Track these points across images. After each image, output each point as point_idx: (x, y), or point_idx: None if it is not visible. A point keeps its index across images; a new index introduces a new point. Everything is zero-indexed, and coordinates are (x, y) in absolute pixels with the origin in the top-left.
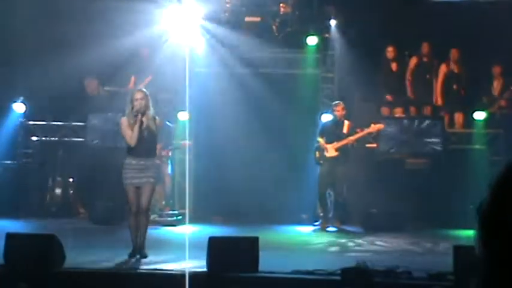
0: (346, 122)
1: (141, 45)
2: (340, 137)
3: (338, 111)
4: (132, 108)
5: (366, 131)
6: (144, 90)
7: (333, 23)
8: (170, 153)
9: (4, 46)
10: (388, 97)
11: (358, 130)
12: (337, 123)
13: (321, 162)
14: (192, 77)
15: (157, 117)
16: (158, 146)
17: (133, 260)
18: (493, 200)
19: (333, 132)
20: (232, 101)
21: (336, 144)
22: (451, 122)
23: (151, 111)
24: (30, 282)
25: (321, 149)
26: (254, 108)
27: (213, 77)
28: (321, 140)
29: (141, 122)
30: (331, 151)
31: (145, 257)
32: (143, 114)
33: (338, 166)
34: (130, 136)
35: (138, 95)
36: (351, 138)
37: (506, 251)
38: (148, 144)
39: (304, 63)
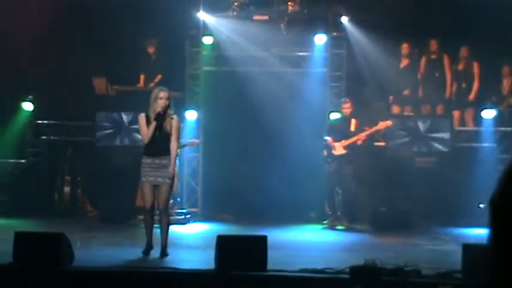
0: (353, 120)
1: (148, 42)
2: (347, 135)
3: (346, 108)
4: (153, 107)
5: (374, 128)
6: (167, 90)
7: (344, 19)
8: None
9: (12, 45)
10: (397, 96)
11: (366, 128)
12: (344, 121)
13: (329, 160)
14: (200, 75)
15: (175, 117)
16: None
17: (142, 257)
18: (503, 189)
19: (340, 131)
20: (240, 99)
21: (344, 142)
22: (460, 120)
23: (171, 111)
24: (39, 281)
25: (329, 148)
26: (263, 107)
27: (222, 75)
28: (329, 138)
29: (158, 122)
30: (339, 149)
31: (166, 255)
32: (164, 113)
33: (346, 164)
34: (145, 134)
35: (162, 94)
36: (359, 135)
37: None
38: (160, 144)
39: (313, 62)
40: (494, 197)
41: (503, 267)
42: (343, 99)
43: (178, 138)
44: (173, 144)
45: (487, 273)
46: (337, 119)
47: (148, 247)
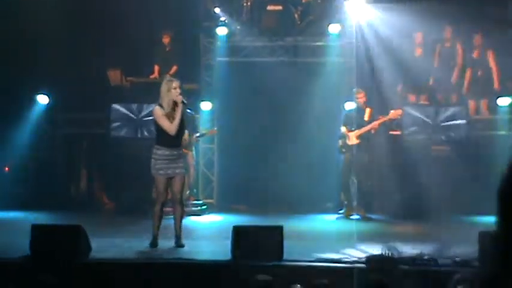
0: (367, 110)
1: (163, 34)
2: (361, 124)
3: (359, 98)
4: (167, 97)
5: (385, 117)
6: (177, 79)
7: (354, 9)
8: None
9: (27, 38)
10: (413, 84)
11: (380, 117)
12: (358, 111)
13: (344, 150)
14: (214, 66)
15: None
16: (186, 134)
17: (159, 249)
18: (509, 177)
19: (354, 120)
20: (255, 90)
21: (358, 132)
22: (476, 108)
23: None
24: (56, 273)
25: (344, 137)
26: (277, 97)
27: (236, 66)
28: (344, 128)
29: (184, 108)
30: (352, 139)
31: (182, 246)
32: (179, 103)
33: (361, 153)
34: (169, 126)
35: (175, 84)
36: (372, 125)
37: None
38: (180, 134)
39: (327, 52)
40: (501, 185)
41: (510, 254)
42: (355, 89)
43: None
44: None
45: (496, 260)
46: (351, 109)
47: (155, 241)
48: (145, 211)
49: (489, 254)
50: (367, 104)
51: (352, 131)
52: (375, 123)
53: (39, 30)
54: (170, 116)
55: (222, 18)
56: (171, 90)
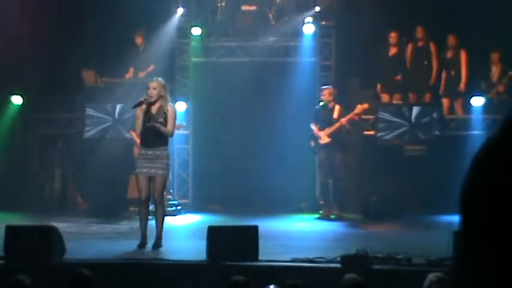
0: (336, 107)
1: (136, 33)
2: (331, 122)
3: (324, 95)
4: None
5: (352, 113)
6: (161, 79)
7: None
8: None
9: (1, 37)
10: (386, 83)
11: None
12: (327, 108)
13: (316, 150)
14: (189, 67)
15: (170, 105)
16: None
17: (135, 250)
18: (469, 177)
19: (324, 118)
20: (230, 90)
21: (328, 130)
22: (449, 108)
23: (166, 101)
24: (31, 274)
25: (315, 137)
26: (252, 97)
27: (210, 66)
28: (314, 128)
29: (146, 111)
30: (324, 138)
31: (160, 246)
32: (152, 103)
33: (334, 153)
34: (137, 124)
35: (152, 84)
36: (340, 122)
37: (484, 216)
38: (153, 134)
39: (301, 52)
40: (463, 186)
41: (469, 255)
42: (322, 87)
43: (173, 126)
44: (168, 129)
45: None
46: (319, 107)
47: (143, 241)
48: (119, 212)
49: (455, 253)
50: (336, 101)
51: (323, 129)
52: (343, 120)
53: (12, 29)
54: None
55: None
56: (148, 90)
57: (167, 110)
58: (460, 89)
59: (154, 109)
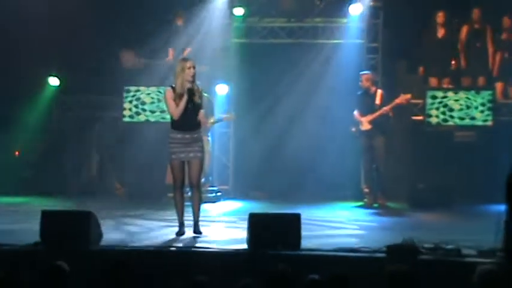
0: (378, 92)
1: (177, 15)
2: (373, 108)
3: (361, 81)
4: (181, 78)
5: (394, 102)
6: (192, 60)
7: None
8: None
9: (38, 18)
10: (435, 67)
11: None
12: (367, 94)
13: (357, 136)
14: (231, 48)
15: (201, 88)
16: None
17: (173, 237)
18: None
19: (366, 104)
20: (273, 73)
21: (369, 117)
22: (503, 92)
23: (198, 82)
24: (67, 260)
25: (357, 123)
26: (296, 81)
27: (253, 48)
28: (356, 113)
29: (190, 94)
30: (366, 124)
31: (199, 233)
32: (193, 85)
33: (375, 139)
34: (174, 109)
35: (189, 63)
36: (382, 110)
37: None
38: (192, 117)
39: (348, 33)
40: (510, 174)
41: None
42: (360, 73)
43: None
44: (201, 115)
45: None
46: (361, 93)
47: (182, 228)
48: (157, 198)
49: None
50: (376, 86)
51: (364, 115)
52: (385, 109)
53: (51, 10)
54: (182, 97)
55: None
56: (185, 70)
57: (200, 91)
58: None
59: (194, 92)
